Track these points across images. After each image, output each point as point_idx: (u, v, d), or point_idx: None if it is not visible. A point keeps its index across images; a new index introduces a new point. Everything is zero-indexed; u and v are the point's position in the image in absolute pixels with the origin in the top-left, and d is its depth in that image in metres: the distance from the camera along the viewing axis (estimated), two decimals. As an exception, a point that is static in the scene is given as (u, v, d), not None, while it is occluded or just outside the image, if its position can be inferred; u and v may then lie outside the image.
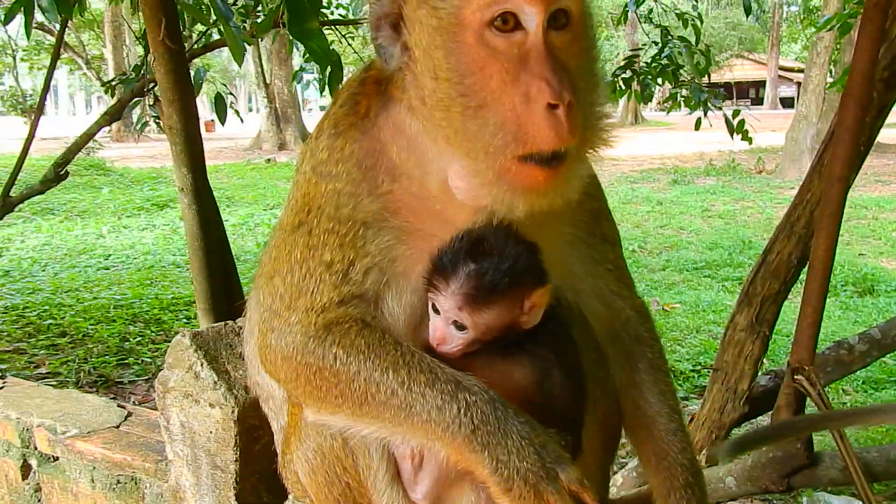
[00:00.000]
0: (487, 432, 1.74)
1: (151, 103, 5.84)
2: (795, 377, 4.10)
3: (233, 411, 2.39)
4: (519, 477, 1.72)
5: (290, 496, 2.47)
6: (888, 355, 5.42)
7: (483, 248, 1.82)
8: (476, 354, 1.88)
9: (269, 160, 27.09)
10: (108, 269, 12.28)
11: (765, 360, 5.46)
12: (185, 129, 5.14)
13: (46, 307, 9.78)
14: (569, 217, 1.99)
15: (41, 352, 8.44)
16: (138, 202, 18.06)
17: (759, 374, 4.93)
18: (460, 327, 1.85)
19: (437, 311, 1.87)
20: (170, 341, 7.79)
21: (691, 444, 2.11)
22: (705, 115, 8.86)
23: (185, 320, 9.47)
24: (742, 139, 8.53)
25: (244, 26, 6.29)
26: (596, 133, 1.81)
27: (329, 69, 7.12)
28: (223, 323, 2.59)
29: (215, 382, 2.41)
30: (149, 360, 8.25)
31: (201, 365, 2.43)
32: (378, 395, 1.82)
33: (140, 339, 8.82)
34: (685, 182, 20.47)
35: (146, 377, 7.87)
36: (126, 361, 8.23)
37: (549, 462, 1.74)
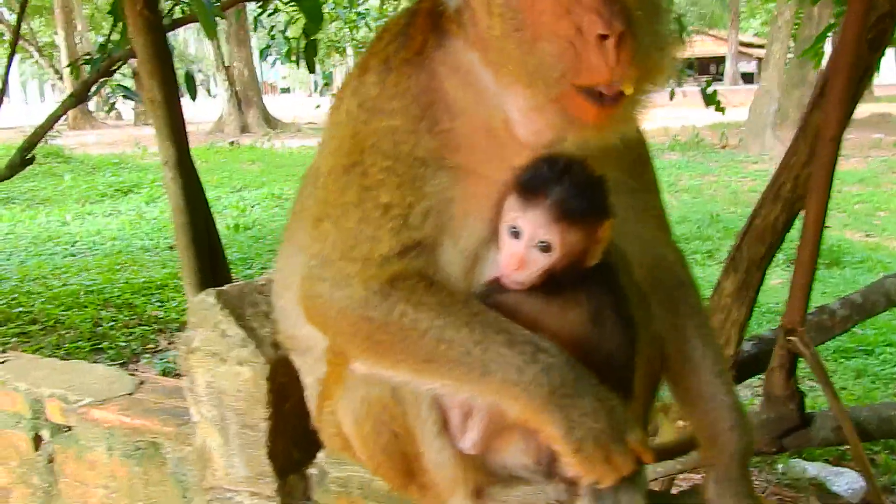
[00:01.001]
0: (564, 394, 1.75)
1: (132, 76, 5.71)
2: (789, 339, 4.17)
3: (263, 368, 2.36)
4: (591, 438, 1.74)
5: (321, 452, 2.46)
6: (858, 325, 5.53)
7: (573, 169, 1.80)
8: (533, 292, 1.86)
9: (232, 143, 26.83)
10: (74, 255, 12.10)
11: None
12: (166, 100, 5.05)
13: (15, 295, 9.63)
14: (615, 163, 1.96)
15: (12, 340, 8.30)
16: (101, 188, 17.78)
17: (744, 339, 5.00)
18: (545, 248, 1.81)
19: (515, 235, 1.83)
20: (144, 325, 7.71)
21: (734, 388, 2.11)
22: (679, 85, 8.95)
23: (157, 304, 9.39)
24: (716, 110, 8.64)
25: (215, 0, 6.18)
26: (657, 65, 1.76)
27: (304, 41, 7.06)
28: (244, 282, 2.55)
29: (244, 340, 2.37)
30: (123, 344, 8.17)
31: (228, 323, 2.39)
32: (449, 352, 1.79)
33: (113, 323, 8.72)
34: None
35: (121, 361, 7.78)
36: (100, 346, 8.14)
37: (619, 424, 1.77)
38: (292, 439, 2.46)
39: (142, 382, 3.04)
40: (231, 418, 2.45)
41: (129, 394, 2.96)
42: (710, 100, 8.61)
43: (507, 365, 1.76)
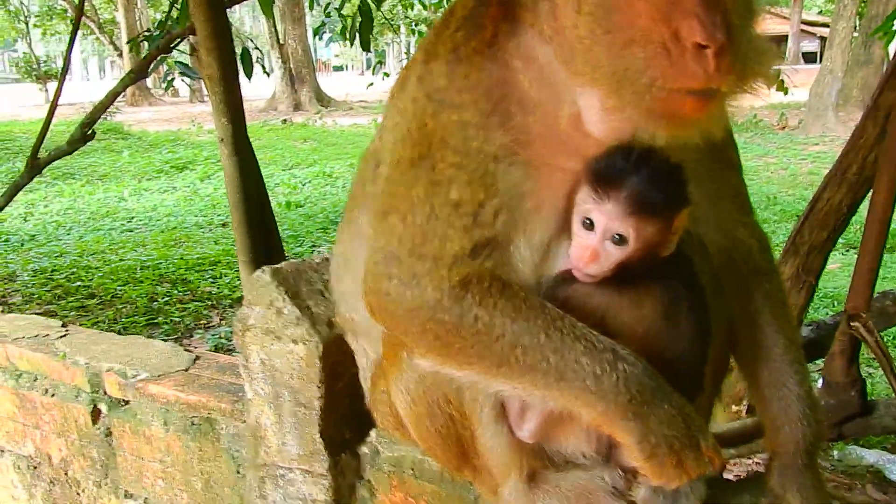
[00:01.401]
0: (642, 402, 1.73)
1: (190, 53, 5.74)
2: (852, 324, 4.07)
3: (317, 347, 2.35)
4: (665, 444, 1.74)
5: (372, 431, 2.45)
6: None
7: (650, 160, 1.73)
8: (605, 285, 1.81)
9: (284, 121, 26.97)
10: (131, 231, 12.32)
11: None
12: (224, 77, 5.07)
13: (74, 269, 9.83)
14: (695, 142, 1.91)
15: (71, 313, 8.47)
16: (157, 165, 18.05)
17: (803, 324, 4.89)
18: (620, 241, 1.77)
19: (588, 228, 1.78)
20: (197, 301, 7.83)
21: (809, 377, 2.05)
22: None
23: (210, 280, 9.51)
24: (777, 89, 8.42)
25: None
26: (753, 69, 1.67)
27: (360, 19, 7.04)
28: (300, 259, 2.54)
29: (298, 318, 2.37)
30: (177, 319, 8.29)
31: (283, 301, 2.39)
32: (524, 358, 1.75)
33: (168, 299, 8.85)
34: (707, 139, 20.29)
35: (175, 336, 7.90)
36: (155, 321, 8.27)
37: (693, 431, 1.76)
38: (344, 419, 2.46)
39: (197, 358, 3.07)
40: (284, 396, 2.45)
41: (185, 370, 2.99)
42: (773, 80, 8.40)
43: (584, 373, 1.73)
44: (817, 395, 2.05)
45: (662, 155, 1.74)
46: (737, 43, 1.59)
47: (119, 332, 7.78)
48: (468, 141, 1.79)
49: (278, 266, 2.46)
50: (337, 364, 2.41)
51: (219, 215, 12.84)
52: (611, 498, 1.93)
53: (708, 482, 1.94)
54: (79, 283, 9.29)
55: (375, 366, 2.22)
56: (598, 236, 1.77)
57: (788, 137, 20.77)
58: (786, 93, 8.54)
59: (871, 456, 5.60)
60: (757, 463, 4.62)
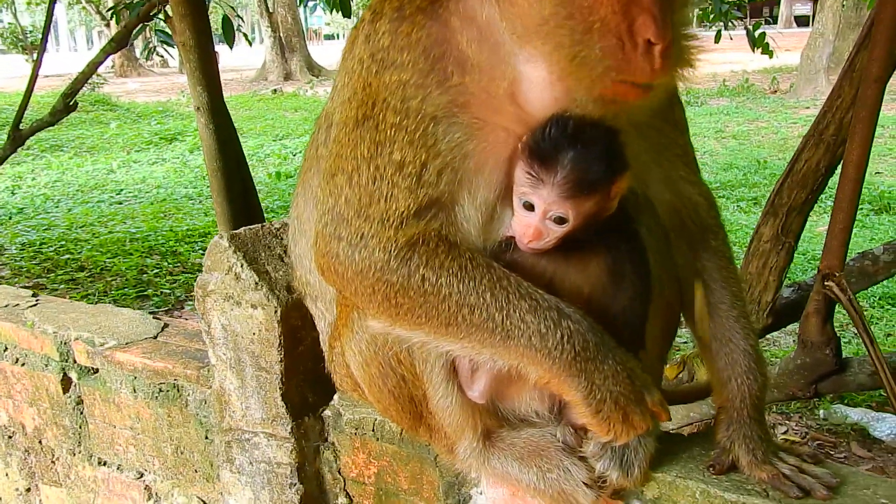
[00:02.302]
0: (587, 358, 1.76)
1: (164, 20, 5.69)
2: (826, 283, 4.07)
3: (276, 311, 2.36)
4: (611, 399, 1.78)
5: (336, 395, 2.47)
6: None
7: (583, 135, 1.73)
8: (552, 248, 1.82)
9: (275, 91, 26.79)
10: (120, 203, 12.28)
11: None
12: (198, 44, 5.05)
13: (63, 242, 9.81)
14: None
15: (61, 286, 8.47)
16: (146, 136, 17.96)
17: (783, 286, 4.90)
18: (560, 221, 1.78)
19: (528, 208, 1.79)
20: (188, 272, 7.82)
21: (754, 331, 2.07)
22: (726, 27, 8.67)
23: (201, 251, 9.48)
24: (762, 53, 8.36)
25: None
26: (684, 57, 1.75)
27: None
28: (259, 225, 2.54)
29: (256, 283, 2.37)
30: (168, 291, 8.30)
31: (241, 266, 2.39)
32: (471, 317, 1.78)
33: (158, 271, 8.85)
34: (698, 103, 20.16)
35: (166, 308, 7.91)
36: (145, 293, 8.27)
37: (638, 386, 1.80)
38: (307, 382, 2.48)
39: (166, 325, 3.07)
40: (246, 361, 2.46)
41: (154, 337, 2.99)
42: (758, 42, 8.33)
43: (530, 331, 1.75)
44: (763, 351, 2.07)
45: (597, 125, 1.76)
46: (676, 40, 1.67)
47: (108, 304, 7.82)
48: (407, 101, 1.80)
49: (237, 231, 2.46)
50: (297, 328, 2.42)
51: (208, 186, 12.76)
52: (562, 454, 1.96)
53: (662, 438, 1.97)
54: (68, 257, 9.28)
55: (332, 327, 2.23)
56: (538, 216, 1.79)
57: (780, 101, 20.69)
58: (771, 56, 8.48)
59: (856, 414, 5.65)
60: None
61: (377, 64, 1.84)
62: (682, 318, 2.16)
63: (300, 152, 15.90)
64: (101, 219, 11.01)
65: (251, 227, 2.52)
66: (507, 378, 1.90)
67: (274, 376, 2.42)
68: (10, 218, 11.25)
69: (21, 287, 8.18)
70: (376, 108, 1.83)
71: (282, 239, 2.50)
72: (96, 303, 7.87)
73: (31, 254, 9.45)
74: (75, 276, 8.75)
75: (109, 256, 9.26)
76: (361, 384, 2.13)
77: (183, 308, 7.96)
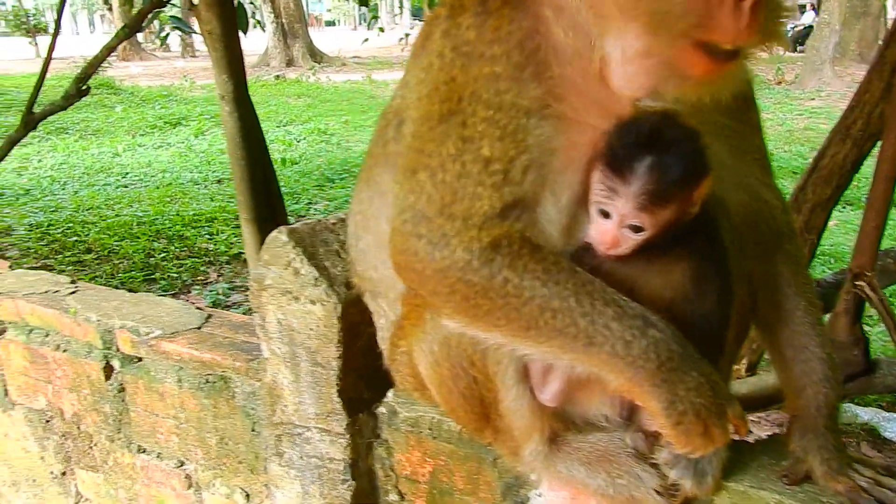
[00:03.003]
0: (671, 369, 1.73)
1: (189, 7, 5.64)
2: (856, 283, 4.08)
3: (336, 307, 2.35)
4: (693, 412, 1.73)
5: (390, 391, 2.47)
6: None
7: (660, 140, 1.69)
8: (635, 252, 1.80)
9: (278, 77, 26.66)
10: (126, 186, 12.25)
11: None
12: (224, 33, 5.00)
13: (70, 224, 9.80)
14: (720, 104, 1.85)
15: (68, 268, 8.46)
16: (151, 120, 17.89)
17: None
18: (637, 229, 1.75)
19: (604, 216, 1.77)
20: (194, 257, 7.81)
21: (828, 339, 2.05)
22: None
23: (207, 236, 9.50)
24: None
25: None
26: (773, 29, 1.67)
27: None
28: (316, 220, 2.53)
29: (316, 279, 2.36)
30: (175, 275, 8.30)
31: (301, 261, 2.38)
32: (553, 322, 1.74)
33: (165, 254, 8.85)
34: (703, 95, 20.14)
35: (173, 292, 7.91)
36: (153, 277, 8.28)
37: (720, 399, 1.76)
38: (362, 378, 2.47)
39: (209, 316, 3.07)
40: (302, 356, 2.46)
41: (198, 328, 2.99)
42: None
43: (614, 338, 1.72)
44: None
45: (676, 127, 1.72)
46: (767, 3, 1.59)
47: (116, 288, 7.77)
48: (500, 94, 1.76)
49: (294, 226, 2.45)
50: (355, 324, 2.41)
51: (213, 171, 12.77)
52: (633, 460, 1.94)
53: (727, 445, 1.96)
54: (75, 238, 9.27)
55: (394, 326, 2.22)
56: (615, 225, 1.76)
57: (785, 92, 20.61)
58: (787, 48, 8.45)
59: (866, 414, 5.65)
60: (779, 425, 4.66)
61: (463, 57, 1.79)
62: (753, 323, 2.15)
63: (305, 138, 15.88)
64: (108, 202, 11.00)
65: (307, 222, 2.51)
66: (579, 382, 1.89)
67: (331, 372, 2.42)
68: (18, 199, 11.22)
69: (28, 267, 8.23)
70: (463, 102, 1.78)
71: (338, 234, 2.49)
72: (105, 285, 7.89)
73: (39, 235, 9.44)
74: (82, 258, 8.75)
75: (117, 239, 9.27)
76: (430, 384, 2.11)
77: (189, 292, 7.95)
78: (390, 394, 2.46)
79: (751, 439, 2.07)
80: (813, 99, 19.22)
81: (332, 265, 2.43)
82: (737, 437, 1.85)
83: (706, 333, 1.83)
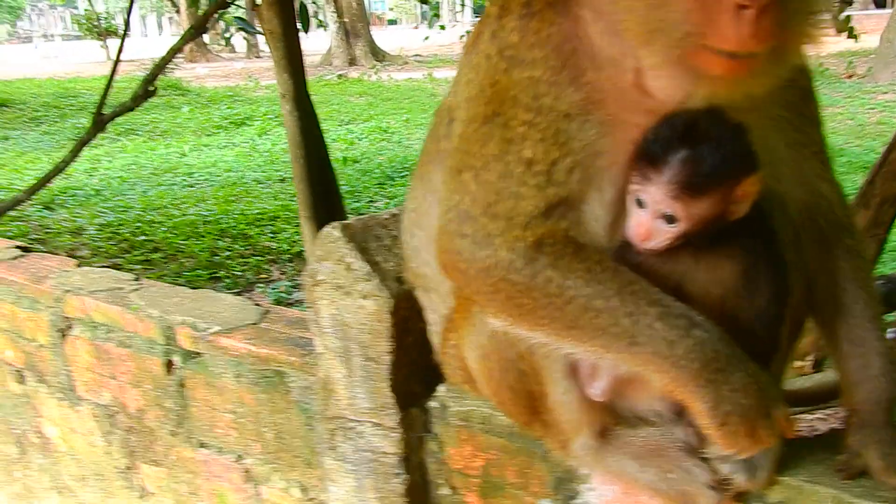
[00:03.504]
0: (716, 369, 1.72)
1: (251, 8, 5.76)
2: (927, 277, 3.96)
3: (387, 302, 2.37)
4: (738, 413, 1.72)
5: (441, 386, 2.48)
6: None
7: (697, 133, 1.69)
8: (681, 248, 1.79)
9: (340, 76, 26.94)
10: (192, 186, 12.53)
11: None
12: (285, 33, 5.10)
13: (139, 224, 10.07)
14: (778, 97, 1.86)
15: (137, 267, 8.68)
16: (216, 121, 18.25)
17: (873, 279, 4.78)
18: (670, 220, 1.74)
19: (641, 206, 1.77)
20: (258, 255, 7.95)
21: (885, 334, 2.01)
22: (808, 12, 8.43)
23: (270, 235, 9.66)
24: (848, 36, 8.14)
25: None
26: (801, 30, 1.63)
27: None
28: (368, 216, 2.56)
29: (368, 274, 2.39)
30: (238, 273, 8.47)
31: (353, 256, 2.40)
32: (596, 321, 1.75)
33: (229, 253, 9.03)
34: (770, 89, 19.70)
35: (237, 290, 8.06)
36: (217, 275, 8.46)
37: (766, 400, 1.74)
38: (414, 373, 2.48)
39: (266, 312, 3.12)
40: (355, 350, 2.48)
41: (255, 323, 3.04)
42: (842, 26, 8.10)
43: (658, 338, 1.72)
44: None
45: (717, 123, 1.70)
46: (785, 4, 1.53)
47: (183, 286, 7.98)
48: (539, 98, 1.77)
49: (347, 222, 2.47)
50: (406, 319, 2.42)
51: (277, 171, 12.97)
52: (684, 455, 1.93)
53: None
54: (143, 238, 9.52)
55: (446, 320, 2.24)
56: (649, 215, 1.75)
57: (856, 86, 20.06)
58: (856, 39, 8.24)
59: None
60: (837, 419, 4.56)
61: (506, 61, 1.82)
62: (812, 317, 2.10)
63: (366, 137, 16.02)
64: (175, 201, 11.27)
65: (360, 217, 2.53)
66: (628, 377, 1.88)
67: (383, 367, 2.44)
68: (89, 199, 11.58)
69: (99, 266, 8.49)
70: (505, 105, 1.81)
71: (390, 230, 2.51)
72: (172, 283, 8.10)
73: (109, 234, 9.73)
74: (150, 257, 8.99)
75: (183, 238, 9.49)
76: (479, 378, 2.13)
77: (253, 290, 8.11)
78: (442, 388, 2.47)
79: (813, 434, 2.03)
80: (885, 92, 18.65)
81: (385, 260, 2.44)
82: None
83: (759, 331, 1.81)
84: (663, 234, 1.77)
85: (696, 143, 1.69)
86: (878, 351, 1.95)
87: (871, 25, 22.06)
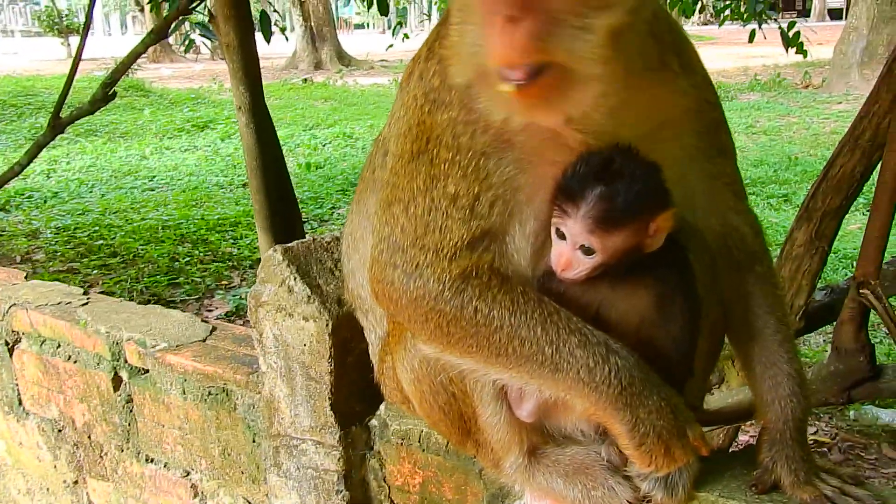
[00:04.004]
0: (632, 393, 1.83)
1: (208, 19, 5.77)
2: (861, 291, 4.08)
3: (327, 324, 2.43)
4: (654, 433, 1.85)
5: (382, 405, 2.54)
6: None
7: (612, 170, 1.78)
8: (600, 277, 1.87)
9: (305, 80, 26.88)
10: (153, 190, 12.45)
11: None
12: (242, 45, 5.13)
13: (96, 228, 9.99)
14: (688, 128, 1.95)
15: (94, 272, 8.63)
16: (179, 123, 18.14)
17: (816, 288, 4.90)
18: (588, 251, 1.83)
19: (562, 237, 1.85)
20: (218, 261, 7.91)
21: (798, 356, 2.10)
22: (760, 26, 8.62)
23: (231, 241, 9.63)
24: (796, 52, 8.32)
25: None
26: (567, 46, 1.62)
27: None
28: (311, 238, 2.61)
29: (309, 296, 2.45)
30: (198, 279, 8.43)
31: (294, 279, 2.46)
32: (521, 350, 1.85)
33: (189, 258, 8.99)
34: (729, 98, 19.98)
35: (196, 296, 8.05)
36: (177, 281, 8.41)
37: (681, 421, 1.87)
38: (354, 392, 2.55)
39: (214, 329, 3.15)
40: (297, 370, 2.54)
41: (202, 340, 3.07)
42: (792, 42, 8.28)
43: (578, 365, 1.82)
44: (807, 372, 2.11)
45: (632, 161, 1.79)
46: (553, 14, 1.59)
47: (141, 293, 7.96)
48: (458, 137, 1.87)
49: (289, 245, 2.53)
50: (347, 340, 2.49)
51: (239, 176, 12.93)
52: (607, 472, 2.01)
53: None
54: (101, 242, 9.45)
55: (383, 342, 2.31)
56: (569, 246, 1.84)
57: (812, 96, 20.48)
58: (805, 55, 8.42)
59: (886, 415, 5.65)
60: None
61: (430, 103, 1.92)
62: (727, 340, 2.20)
63: (330, 142, 16.01)
64: (134, 205, 11.18)
65: (303, 241, 2.59)
66: (554, 400, 1.96)
67: (324, 386, 2.50)
68: (46, 202, 11.45)
69: (55, 271, 8.40)
70: (430, 143, 1.90)
71: (332, 253, 2.57)
72: (129, 289, 8.06)
73: (66, 238, 9.64)
74: (108, 262, 8.91)
75: (142, 243, 9.43)
76: (412, 399, 2.20)
77: (213, 297, 8.09)
78: (382, 407, 2.54)
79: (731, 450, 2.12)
80: (840, 102, 19.06)
81: (326, 283, 2.51)
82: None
83: (673, 356, 1.90)
84: (582, 265, 1.85)
85: (611, 180, 1.78)
86: (787, 373, 2.05)
87: (825, 37, 22.52)
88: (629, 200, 1.79)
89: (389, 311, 2.04)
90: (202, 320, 3.23)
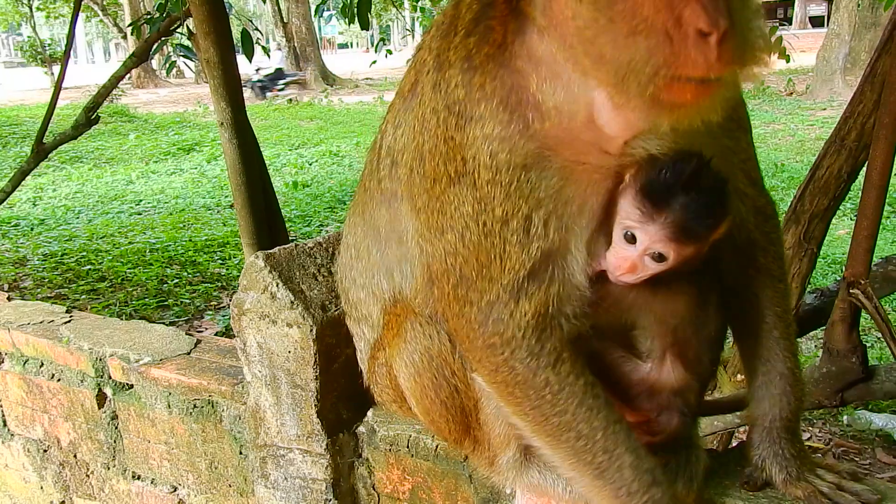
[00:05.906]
0: None
1: (187, 37, 5.74)
2: (851, 291, 4.07)
3: (311, 330, 2.39)
4: None
5: (369, 411, 2.51)
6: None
7: (699, 181, 1.72)
8: (643, 281, 1.84)
9: (290, 100, 26.92)
10: (140, 213, 12.40)
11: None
12: (222, 61, 5.07)
13: (84, 253, 9.93)
14: (716, 126, 1.81)
15: (82, 297, 8.56)
16: (164, 147, 18.16)
17: (806, 292, 4.90)
18: (660, 259, 1.78)
19: (631, 241, 1.78)
20: (207, 282, 7.83)
21: (794, 352, 2.06)
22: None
23: (219, 261, 9.59)
24: (779, 58, 8.34)
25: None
26: (751, 53, 1.60)
27: (358, -2, 7.01)
28: (293, 244, 2.58)
29: (292, 302, 2.41)
30: (187, 301, 8.37)
31: (276, 286, 2.42)
32: (576, 443, 1.84)
33: (177, 280, 8.94)
34: (713, 107, 20.09)
35: (186, 318, 7.99)
36: (166, 303, 8.36)
37: None
38: (341, 399, 2.51)
39: (198, 342, 3.12)
40: (282, 378, 2.50)
41: (187, 353, 3.04)
42: (775, 47, 8.31)
43: (622, 483, 1.82)
44: (805, 369, 2.09)
45: (712, 173, 1.75)
46: (738, 29, 1.54)
47: (130, 315, 7.91)
48: (495, 155, 1.75)
49: (271, 252, 2.50)
50: (332, 346, 2.45)
51: (226, 196, 12.91)
52: None
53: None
54: (89, 267, 9.39)
55: (375, 341, 2.28)
56: (639, 252, 1.78)
57: (796, 103, 20.62)
58: (788, 60, 8.45)
59: (880, 420, 5.63)
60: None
61: (456, 117, 1.79)
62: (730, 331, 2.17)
63: (316, 161, 16.00)
64: (122, 229, 11.13)
65: (285, 246, 2.56)
66: None
67: (309, 393, 2.46)
68: (32, 229, 11.39)
69: (42, 297, 8.35)
70: (468, 164, 1.78)
71: (315, 258, 2.54)
72: (118, 313, 8.01)
73: (53, 264, 9.57)
74: (96, 287, 8.85)
75: (130, 267, 9.37)
76: (410, 395, 2.16)
77: (202, 318, 8.03)
78: (370, 413, 2.50)
79: (709, 440, 2.10)
80: (824, 109, 19.19)
81: (309, 288, 2.47)
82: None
83: (705, 359, 1.93)
84: (647, 270, 1.80)
85: (699, 192, 1.73)
86: (779, 371, 2.01)
87: (808, 44, 22.70)
88: (714, 213, 1.76)
89: (463, 347, 1.96)
90: (187, 334, 3.19)
